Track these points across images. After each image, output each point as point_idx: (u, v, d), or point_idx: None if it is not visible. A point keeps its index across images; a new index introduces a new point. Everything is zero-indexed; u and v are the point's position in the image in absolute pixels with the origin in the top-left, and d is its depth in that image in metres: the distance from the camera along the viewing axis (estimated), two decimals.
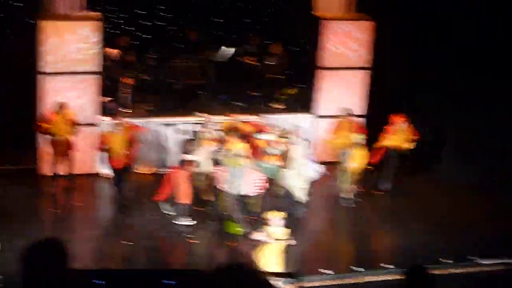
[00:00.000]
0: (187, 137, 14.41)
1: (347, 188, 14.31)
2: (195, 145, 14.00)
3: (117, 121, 13.95)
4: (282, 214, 11.35)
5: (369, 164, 14.41)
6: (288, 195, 13.54)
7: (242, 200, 13.18)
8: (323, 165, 13.88)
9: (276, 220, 11.17)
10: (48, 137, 14.20)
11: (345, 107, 15.22)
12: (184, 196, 13.25)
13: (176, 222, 13.34)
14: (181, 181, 13.21)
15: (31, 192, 14.34)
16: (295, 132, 14.57)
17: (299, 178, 13.45)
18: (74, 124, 14.20)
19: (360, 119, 16.07)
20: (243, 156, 13.15)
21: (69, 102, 14.50)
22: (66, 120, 14.09)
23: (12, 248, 11.63)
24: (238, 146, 13.39)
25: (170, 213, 13.44)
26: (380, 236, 13.68)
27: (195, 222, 13.37)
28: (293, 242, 11.43)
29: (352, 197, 14.37)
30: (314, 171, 13.64)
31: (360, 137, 14.22)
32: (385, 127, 14.81)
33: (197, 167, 13.63)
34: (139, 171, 14.93)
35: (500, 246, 13.00)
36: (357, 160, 14.10)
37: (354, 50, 15.98)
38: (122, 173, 13.79)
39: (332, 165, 14.64)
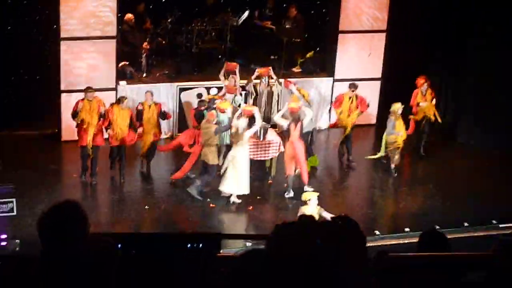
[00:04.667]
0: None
1: (394, 157, 14.15)
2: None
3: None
4: (317, 194, 11.59)
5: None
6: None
7: None
8: None
9: (313, 200, 11.42)
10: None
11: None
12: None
13: (191, 191, 13.07)
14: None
15: (52, 157, 14.38)
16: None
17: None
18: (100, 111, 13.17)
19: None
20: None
21: (86, 67, 14.55)
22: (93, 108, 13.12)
23: (33, 213, 11.74)
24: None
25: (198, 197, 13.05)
26: (400, 201, 13.64)
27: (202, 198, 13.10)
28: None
29: (394, 165, 14.22)
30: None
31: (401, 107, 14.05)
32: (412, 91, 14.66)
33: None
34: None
35: None
36: (401, 129, 14.01)
37: (372, 13, 15.84)
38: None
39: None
